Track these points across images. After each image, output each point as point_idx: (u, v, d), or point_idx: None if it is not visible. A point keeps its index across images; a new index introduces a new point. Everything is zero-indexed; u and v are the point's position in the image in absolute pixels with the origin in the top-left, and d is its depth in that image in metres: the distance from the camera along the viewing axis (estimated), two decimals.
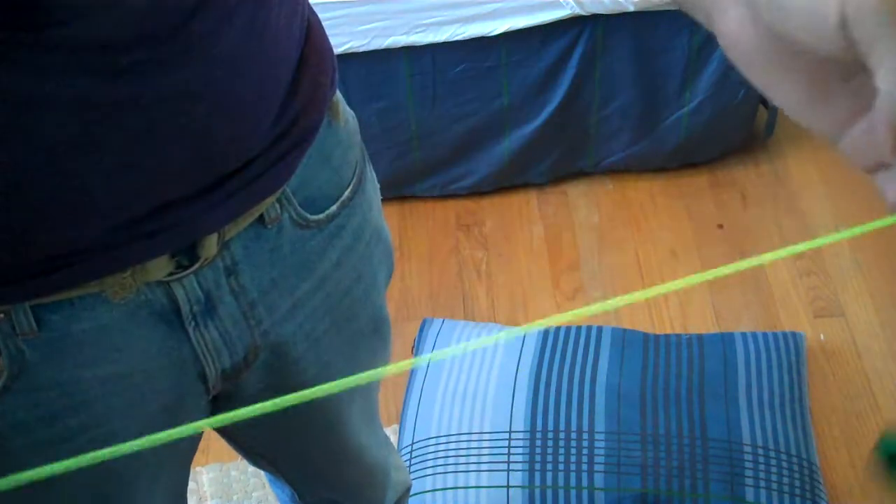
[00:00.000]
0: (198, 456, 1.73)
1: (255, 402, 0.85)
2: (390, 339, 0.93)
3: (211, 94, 0.60)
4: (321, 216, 0.75)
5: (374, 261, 0.83)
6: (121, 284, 0.65)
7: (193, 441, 0.83)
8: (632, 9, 1.82)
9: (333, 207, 0.75)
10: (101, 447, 0.73)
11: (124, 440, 0.74)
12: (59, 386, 0.66)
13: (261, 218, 0.70)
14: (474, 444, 1.53)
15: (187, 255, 0.67)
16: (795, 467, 1.49)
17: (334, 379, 0.91)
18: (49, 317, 0.63)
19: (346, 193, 0.77)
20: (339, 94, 0.76)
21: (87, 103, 0.55)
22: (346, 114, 0.78)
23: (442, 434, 1.56)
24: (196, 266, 0.67)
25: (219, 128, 0.61)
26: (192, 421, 0.78)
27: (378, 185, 0.86)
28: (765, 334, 1.70)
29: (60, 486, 0.72)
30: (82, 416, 0.69)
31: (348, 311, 0.82)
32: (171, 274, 0.67)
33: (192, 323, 0.70)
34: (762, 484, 1.46)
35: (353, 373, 0.95)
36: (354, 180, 0.78)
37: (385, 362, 0.94)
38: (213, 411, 0.82)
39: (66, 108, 0.54)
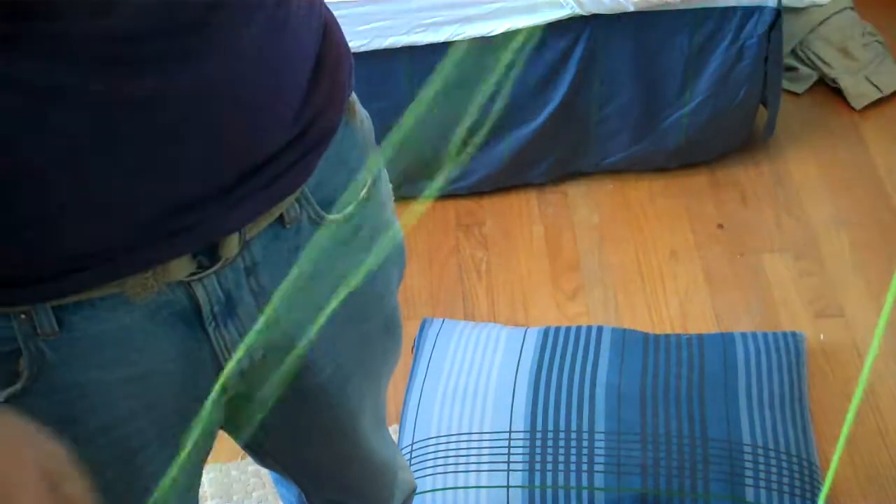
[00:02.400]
0: None
1: (270, 402, 0.84)
2: (401, 340, 0.93)
3: (231, 88, 0.60)
4: (338, 216, 0.75)
5: (388, 261, 0.83)
6: (142, 285, 0.65)
7: (209, 443, 0.83)
8: (632, 9, 1.82)
9: (350, 208, 0.76)
10: (121, 449, 0.73)
11: (143, 442, 0.75)
12: (78, 387, 0.66)
13: (280, 218, 0.70)
14: (474, 444, 1.53)
15: (208, 254, 0.67)
16: (795, 467, 1.49)
17: (348, 380, 0.91)
18: (70, 317, 0.63)
19: (363, 193, 0.77)
20: (354, 95, 0.76)
21: (110, 98, 0.55)
22: (361, 114, 0.78)
23: (442, 434, 1.56)
24: (217, 266, 0.67)
25: (239, 124, 0.62)
26: (209, 423, 0.78)
27: (391, 186, 0.86)
28: (765, 334, 1.70)
29: None
30: (102, 418, 0.69)
31: (363, 311, 0.82)
32: (192, 274, 0.67)
33: (213, 323, 0.70)
34: (762, 484, 1.46)
35: (365, 372, 0.95)
36: (370, 181, 0.78)
37: (396, 362, 0.95)
38: (228, 412, 0.82)
39: (90, 102, 0.55)
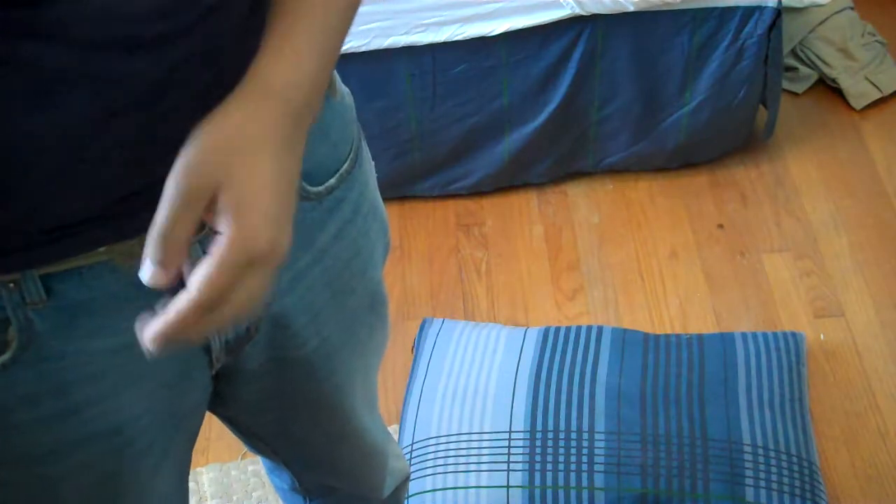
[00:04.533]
0: (198, 456, 1.73)
1: (257, 377, 0.86)
2: (388, 318, 0.94)
3: (218, 64, 0.61)
4: (320, 188, 0.76)
5: (371, 235, 0.84)
6: (129, 253, 0.65)
7: (199, 418, 0.84)
8: (632, 9, 1.82)
9: (332, 180, 0.77)
10: (108, 421, 0.73)
11: (130, 414, 0.75)
12: (67, 356, 0.67)
13: None
14: (474, 444, 1.53)
15: None
16: (795, 467, 1.49)
17: (334, 354, 0.92)
18: (58, 286, 0.64)
19: (345, 167, 0.78)
20: (334, 71, 0.77)
21: (107, 77, 0.56)
22: (342, 90, 0.79)
23: (442, 434, 1.56)
24: (201, 234, 0.68)
25: (224, 97, 0.62)
26: (196, 396, 0.79)
27: (373, 163, 0.87)
28: (765, 334, 1.70)
29: (67, 461, 0.72)
30: (89, 389, 0.69)
31: (346, 284, 0.83)
32: None
33: None
34: (762, 484, 1.46)
35: (351, 348, 0.96)
36: (352, 154, 0.79)
37: (383, 341, 0.96)
38: (216, 389, 0.82)
39: (89, 82, 0.56)
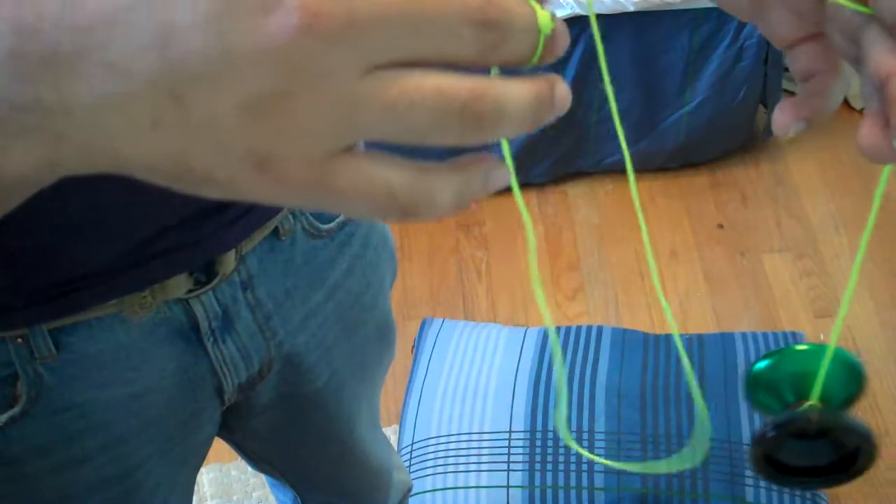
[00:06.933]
0: None
1: (266, 411, 0.85)
2: (395, 343, 0.93)
3: None
4: (332, 224, 0.75)
5: (381, 266, 0.84)
6: (140, 304, 0.64)
7: (207, 450, 0.83)
8: (632, 9, 1.82)
9: (342, 215, 0.76)
10: (121, 466, 0.72)
11: (142, 458, 0.74)
12: (77, 407, 0.66)
13: (275, 231, 0.70)
14: (474, 444, 1.53)
15: (205, 271, 0.67)
16: None
17: (343, 386, 0.90)
18: (67, 339, 0.63)
19: None
20: None
21: None
22: None
23: (442, 434, 1.56)
24: (214, 282, 0.67)
25: None
26: (205, 433, 0.78)
27: None
28: (765, 334, 1.70)
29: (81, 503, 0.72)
30: (100, 437, 0.69)
31: (357, 317, 0.83)
32: (189, 291, 0.66)
33: (211, 338, 0.70)
34: (762, 484, 1.46)
35: (360, 377, 0.95)
36: None
37: (390, 362, 0.95)
38: (224, 421, 0.82)
39: None
